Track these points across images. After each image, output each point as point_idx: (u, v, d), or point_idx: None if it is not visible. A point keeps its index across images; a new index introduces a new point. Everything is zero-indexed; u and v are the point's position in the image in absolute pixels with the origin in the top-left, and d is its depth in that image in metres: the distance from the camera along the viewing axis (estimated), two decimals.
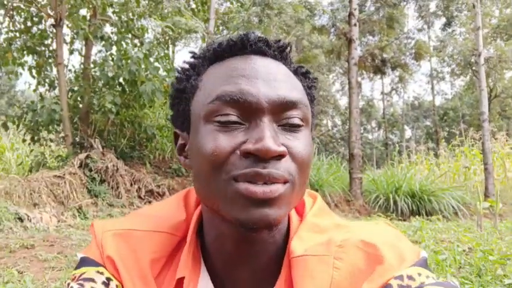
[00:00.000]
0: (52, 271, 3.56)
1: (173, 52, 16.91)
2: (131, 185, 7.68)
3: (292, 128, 0.62)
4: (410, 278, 0.57)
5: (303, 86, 0.68)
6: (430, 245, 4.02)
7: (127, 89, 8.29)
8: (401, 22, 20.88)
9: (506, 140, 12.32)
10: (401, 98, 32.24)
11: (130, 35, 8.87)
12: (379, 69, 20.53)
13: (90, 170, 7.28)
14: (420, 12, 24.26)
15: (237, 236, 0.64)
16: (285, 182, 0.59)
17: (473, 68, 19.51)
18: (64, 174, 6.83)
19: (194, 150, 0.64)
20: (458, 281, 2.86)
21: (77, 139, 8.33)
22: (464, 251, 3.85)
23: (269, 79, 0.62)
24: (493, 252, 3.39)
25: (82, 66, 8.85)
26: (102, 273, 0.67)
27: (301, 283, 0.59)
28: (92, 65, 8.72)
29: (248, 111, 0.60)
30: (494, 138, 11.95)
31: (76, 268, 0.70)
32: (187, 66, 0.70)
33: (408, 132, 32.54)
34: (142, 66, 7.90)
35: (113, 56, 8.24)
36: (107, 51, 8.36)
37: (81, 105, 8.67)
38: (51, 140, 8.89)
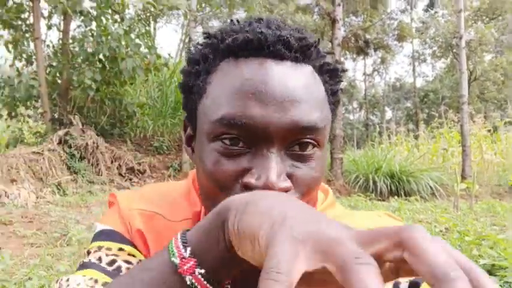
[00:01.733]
0: (31, 247, 3.54)
1: (154, 29, 16.62)
2: (112, 162, 7.62)
3: (304, 154, 0.58)
4: None
5: (326, 91, 0.62)
6: None
7: (107, 66, 8.14)
8: (384, 2, 20.87)
9: (484, 123, 12.54)
10: (383, 79, 32.43)
11: (110, 11, 8.65)
12: (362, 50, 20.56)
13: (70, 147, 7.19)
14: None
15: None
16: None
17: (454, 50, 19.70)
18: (43, 151, 6.72)
19: (197, 160, 0.61)
20: None
21: (56, 115, 8.19)
22: (441, 231, 3.95)
23: (282, 100, 0.55)
24: (469, 233, 3.48)
25: (60, 41, 8.63)
26: (124, 251, 0.66)
27: None
28: (70, 41, 8.51)
29: (255, 137, 0.55)
30: (473, 120, 12.15)
31: (97, 239, 0.68)
32: (197, 57, 0.63)
33: (389, 114, 32.87)
34: (123, 42, 7.74)
35: (92, 32, 8.05)
36: (86, 27, 8.16)
37: (59, 81, 8.49)
38: (29, 116, 8.73)
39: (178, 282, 0.45)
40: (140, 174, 7.85)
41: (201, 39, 0.67)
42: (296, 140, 0.57)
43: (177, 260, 0.45)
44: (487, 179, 9.73)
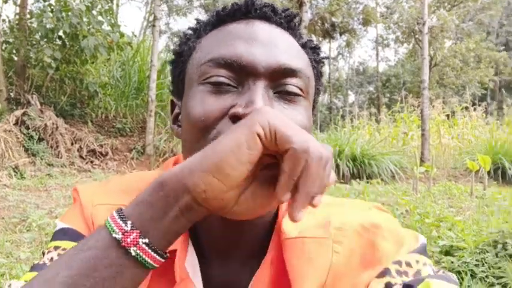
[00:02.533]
0: None
1: (117, 6, 16.09)
2: (72, 144, 7.41)
3: (290, 96, 0.59)
4: (408, 264, 0.57)
5: (310, 59, 0.66)
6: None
7: (67, 43, 7.84)
8: None
9: (443, 108, 12.92)
10: (347, 63, 32.82)
11: None
12: (328, 34, 20.66)
13: (27, 128, 6.93)
14: None
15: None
16: None
17: (417, 36, 20.10)
18: None
19: (184, 115, 0.61)
20: None
21: (12, 95, 7.85)
22: (402, 213, 4.06)
23: (269, 44, 0.59)
24: (429, 215, 3.60)
25: (17, 16, 8.23)
26: None
27: (298, 265, 0.58)
28: (28, 16, 8.13)
29: (242, 74, 0.57)
30: (432, 105, 12.49)
31: (55, 239, 0.64)
32: (189, 31, 0.67)
33: (352, 97, 33.38)
34: (85, 19, 7.46)
35: (52, 7, 7.71)
36: (44, 1, 7.81)
37: (16, 59, 8.12)
38: None
39: (122, 254, 0.45)
40: (102, 157, 7.67)
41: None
42: (281, 81, 0.59)
43: (118, 235, 0.45)
44: (444, 162, 10.07)
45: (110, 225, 0.46)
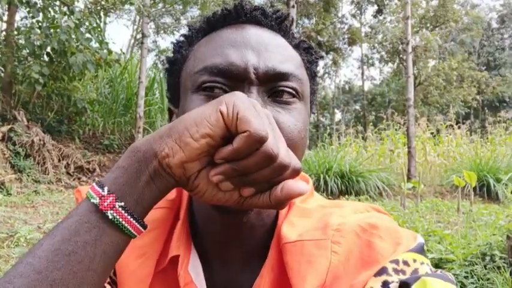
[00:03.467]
0: None
1: (105, 23, 16.13)
2: (59, 160, 7.34)
3: (284, 100, 0.60)
4: (405, 263, 0.56)
5: (303, 60, 0.67)
6: None
7: (55, 60, 7.81)
8: (336, 7, 21.34)
9: (427, 126, 13.09)
10: (333, 81, 33.16)
11: (58, 2, 8.32)
12: (317, 56, 20.81)
13: (14, 144, 6.85)
14: None
15: (225, 219, 0.62)
16: None
17: (401, 55, 20.46)
18: None
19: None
20: None
21: None
22: None
23: (259, 49, 0.60)
24: (418, 229, 3.63)
25: (4, 32, 8.20)
26: None
27: (298, 269, 0.58)
28: (15, 32, 8.11)
29: (235, 81, 0.59)
30: (417, 123, 12.65)
31: None
32: (182, 38, 0.68)
33: (338, 116, 33.63)
34: (73, 36, 7.46)
35: (40, 24, 7.71)
36: (33, 18, 7.80)
37: (3, 75, 8.06)
38: None
39: (100, 218, 0.47)
40: (89, 173, 7.60)
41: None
42: (274, 86, 0.60)
43: (96, 200, 0.47)
44: (430, 180, 10.16)
45: (89, 193, 0.48)
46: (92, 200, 0.47)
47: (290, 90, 0.61)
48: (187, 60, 0.64)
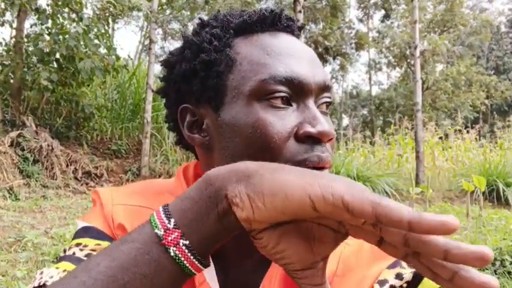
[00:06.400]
0: None
1: (113, 29, 16.27)
2: (67, 166, 7.37)
3: (323, 111, 0.64)
4: None
5: None
6: None
7: (64, 66, 7.88)
8: (344, 11, 21.37)
9: (436, 130, 13.02)
10: (340, 86, 33.14)
11: (67, 9, 8.40)
12: (322, 57, 20.96)
13: (23, 150, 6.90)
14: (361, 3, 24.94)
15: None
16: (330, 167, 0.59)
17: (408, 60, 20.41)
18: None
19: (235, 128, 0.60)
20: None
21: (8, 116, 7.84)
22: None
23: (312, 62, 0.63)
24: None
25: (13, 39, 8.29)
26: (101, 246, 0.64)
27: None
28: (25, 39, 8.20)
29: (298, 92, 0.60)
30: (425, 128, 12.58)
31: (76, 237, 0.66)
32: (208, 36, 0.64)
33: (346, 121, 33.58)
34: (82, 42, 7.53)
35: (49, 30, 7.78)
36: (42, 25, 7.88)
37: (12, 81, 8.14)
38: None
39: (162, 253, 0.44)
40: (97, 178, 7.63)
41: (192, 27, 0.70)
42: (321, 96, 0.63)
43: (160, 232, 0.44)
44: (439, 184, 10.09)
45: (153, 220, 0.45)
46: (156, 231, 0.44)
47: (330, 100, 0.65)
48: (236, 64, 0.62)
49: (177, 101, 0.68)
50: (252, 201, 0.42)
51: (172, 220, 0.44)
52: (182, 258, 0.44)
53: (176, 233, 0.44)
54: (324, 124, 0.57)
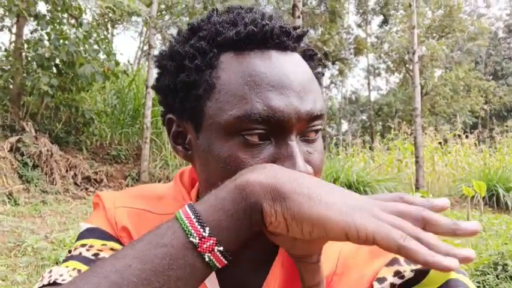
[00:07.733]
0: None
1: (112, 35, 16.30)
2: (67, 171, 7.36)
3: (311, 139, 0.61)
4: None
5: (316, 76, 0.65)
6: None
7: (63, 71, 7.88)
8: (342, 17, 21.45)
9: (435, 135, 13.03)
10: (339, 92, 33.22)
11: (66, 15, 8.42)
12: (320, 62, 20.93)
13: (22, 155, 6.89)
14: (359, 9, 25.03)
15: None
16: None
17: (407, 65, 20.47)
18: None
19: (209, 157, 0.59)
20: None
21: (7, 121, 7.84)
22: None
23: (299, 90, 0.58)
24: None
25: (13, 45, 8.29)
26: (106, 246, 0.64)
27: None
28: (25, 45, 8.21)
29: (277, 128, 0.57)
30: (424, 133, 12.59)
31: (81, 238, 0.66)
32: (192, 50, 0.60)
33: (345, 126, 33.61)
34: (81, 48, 7.54)
35: (49, 35, 7.79)
36: (42, 30, 7.89)
37: (11, 86, 8.14)
38: None
39: (196, 258, 0.46)
40: (97, 184, 7.62)
41: (180, 33, 0.66)
42: (307, 126, 0.59)
43: (196, 240, 0.46)
44: (439, 189, 10.08)
45: (186, 227, 0.47)
46: (191, 239, 0.46)
47: (319, 128, 0.61)
48: (215, 91, 0.58)
49: (164, 109, 0.68)
50: (289, 225, 0.46)
51: (207, 229, 0.47)
52: (215, 262, 0.47)
53: (211, 241, 0.47)
54: (297, 164, 0.55)
